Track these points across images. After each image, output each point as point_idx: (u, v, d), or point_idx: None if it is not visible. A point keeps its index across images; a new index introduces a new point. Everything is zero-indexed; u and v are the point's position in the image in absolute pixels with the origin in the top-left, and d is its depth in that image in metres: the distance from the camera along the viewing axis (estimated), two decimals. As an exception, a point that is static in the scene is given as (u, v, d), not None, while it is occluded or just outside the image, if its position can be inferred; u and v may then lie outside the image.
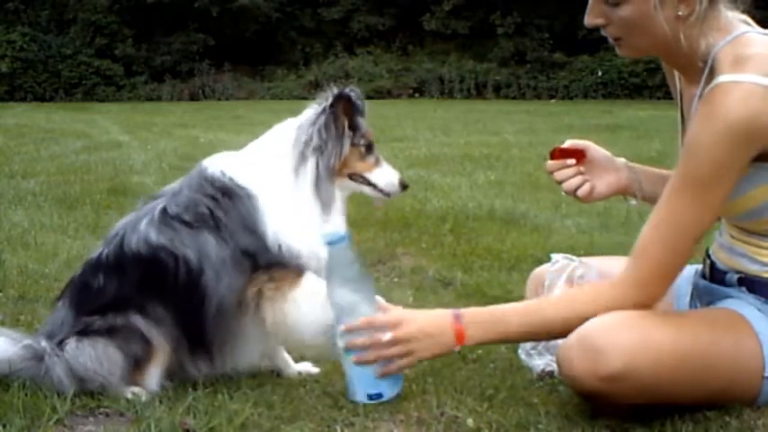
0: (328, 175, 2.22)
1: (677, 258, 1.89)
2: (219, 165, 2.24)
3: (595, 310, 1.89)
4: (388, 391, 2.07)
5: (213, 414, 1.97)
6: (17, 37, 22.70)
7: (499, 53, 22.81)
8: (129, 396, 2.08)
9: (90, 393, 2.08)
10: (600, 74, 21.25)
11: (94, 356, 2.08)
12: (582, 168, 2.20)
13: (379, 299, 2.11)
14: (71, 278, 2.29)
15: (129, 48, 23.33)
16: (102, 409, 2.04)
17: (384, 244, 4.13)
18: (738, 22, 1.91)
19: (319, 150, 2.21)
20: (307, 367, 2.35)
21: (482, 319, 2.01)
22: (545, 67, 22.31)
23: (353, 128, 2.26)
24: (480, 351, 2.44)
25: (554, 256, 2.37)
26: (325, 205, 2.22)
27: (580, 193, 2.18)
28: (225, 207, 2.16)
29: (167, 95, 22.52)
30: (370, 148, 2.30)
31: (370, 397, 2.06)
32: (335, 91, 2.25)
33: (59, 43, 23.17)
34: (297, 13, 24.29)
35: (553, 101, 20.65)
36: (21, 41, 22.71)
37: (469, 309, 2.05)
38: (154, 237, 2.15)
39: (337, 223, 2.23)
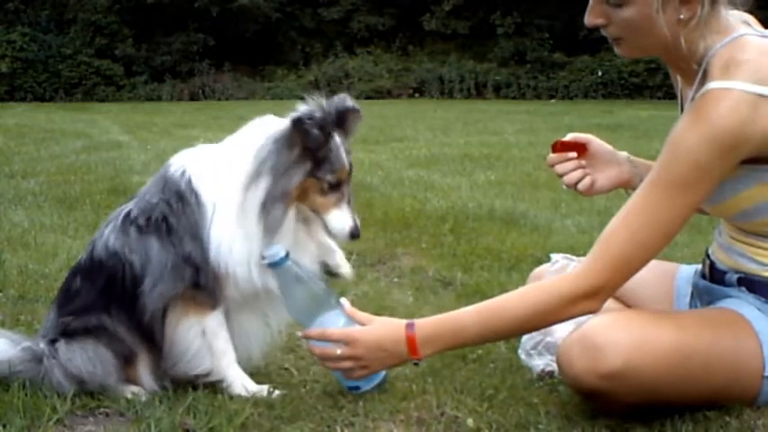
0: (276, 200, 2.05)
1: (640, 252, 1.87)
2: (183, 163, 2.17)
3: (553, 301, 1.89)
4: (365, 385, 2.10)
5: (213, 414, 1.97)
6: (17, 37, 22.70)
7: (499, 53, 22.80)
8: (129, 396, 2.09)
9: (90, 393, 2.09)
10: (600, 74, 21.24)
11: (86, 358, 2.09)
12: (583, 162, 2.19)
13: (345, 302, 2.11)
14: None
15: (129, 48, 23.33)
16: (102, 409, 2.04)
17: (384, 244, 4.13)
18: (739, 24, 1.90)
19: (272, 173, 2.05)
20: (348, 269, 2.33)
21: (435, 329, 1.98)
22: (545, 67, 22.30)
23: (319, 160, 2.05)
24: (480, 351, 2.44)
25: (554, 256, 2.37)
26: (269, 229, 2.06)
27: (581, 186, 2.18)
28: (177, 213, 2.11)
29: (167, 95, 22.51)
30: (337, 186, 2.09)
31: (350, 388, 2.12)
32: (299, 113, 2.04)
33: (59, 43, 23.16)
34: (297, 13, 24.28)
35: (553, 101, 20.64)
36: (21, 41, 22.71)
37: (424, 320, 2.01)
38: (111, 242, 2.15)
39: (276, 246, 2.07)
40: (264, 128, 2.12)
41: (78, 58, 23.05)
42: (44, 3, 23.69)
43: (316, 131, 2.03)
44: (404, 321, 2.00)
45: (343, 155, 2.11)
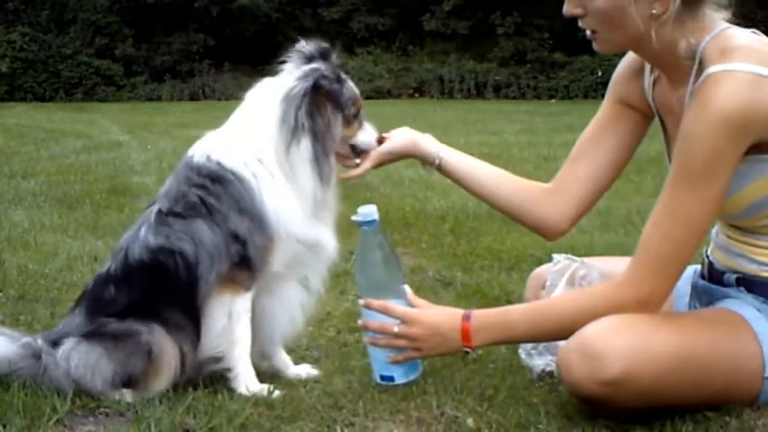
0: (325, 154, 2.16)
1: (678, 252, 1.87)
2: (205, 150, 2.19)
3: (603, 308, 1.89)
4: (401, 376, 2.14)
5: (213, 414, 1.97)
6: (17, 37, 22.72)
7: (499, 53, 22.83)
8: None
9: (90, 393, 2.08)
10: (600, 74, 21.24)
11: (84, 363, 2.06)
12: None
13: (407, 289, 2.17)
14: (83, 291, 2.26)
15: (129, 48, 23.35)
16: (102, 409, 2.04)
17: (384, 244, 4.12)
18: (721, 22, 1.91)
19: (312, 133, 2.14)
20: (306, 369, 2.34)
21: (490, 321, 2.04)
22: (545, 67, 22.32)
23: (341, 106, 2.18)
24: (480, 351, 2.43)
25: (556, 257, 2.36)
26: (325, 182, 2.17)
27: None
28: (216, 193, 2.12)
29: (167, 95, 22.54)
30: (358, 113, 2.26)
31: (383, 378, 2.16)
32: (309, 75, 2.15)
33: (59, 43, 23.19)
34: (297, 13, 24.29)
35: (553, 101, 20.66)
36: (21, 41, 22.74)
37: (480, 311, 2.08)
38: (152, 241, 2.12)
39: (368, 206, 2.18)
40: (266, 95, 2.21)
41: (78, 58, 23.08)
42: (44, 3, 23.71)
43: (336, 86, 2.17)
44: (461, 311, 2.07)
45: (353, 86, 2.25)
